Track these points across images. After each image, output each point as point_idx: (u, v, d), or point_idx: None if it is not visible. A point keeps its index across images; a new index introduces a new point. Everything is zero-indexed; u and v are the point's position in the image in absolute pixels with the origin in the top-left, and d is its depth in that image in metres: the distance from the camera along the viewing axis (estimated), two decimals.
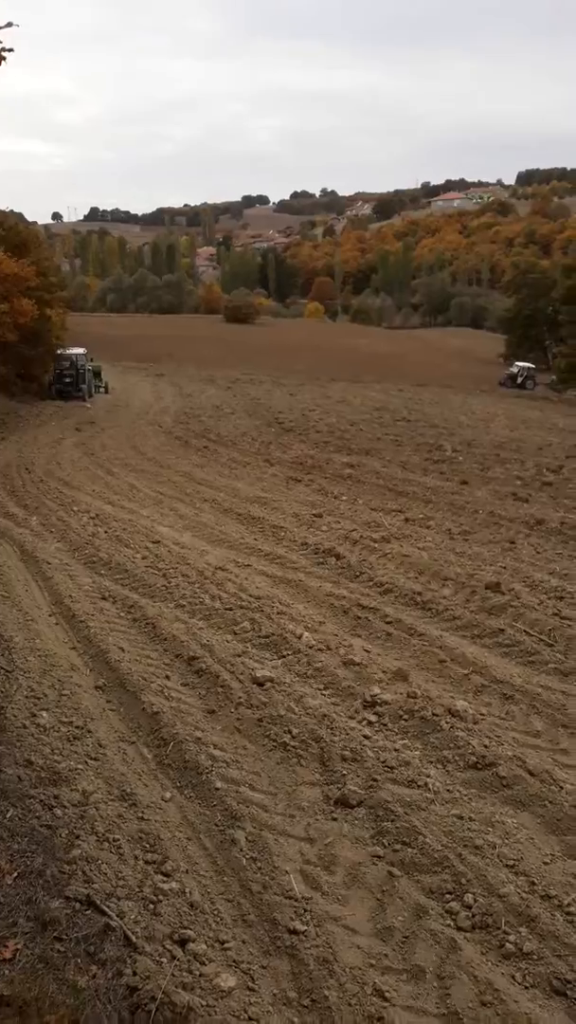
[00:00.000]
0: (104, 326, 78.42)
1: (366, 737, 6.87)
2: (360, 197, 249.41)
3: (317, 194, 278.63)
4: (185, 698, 7.58)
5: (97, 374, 42.38)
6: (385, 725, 7.20)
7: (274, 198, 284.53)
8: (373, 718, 7.30)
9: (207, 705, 7.46)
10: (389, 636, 9.53)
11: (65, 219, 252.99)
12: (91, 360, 41.73)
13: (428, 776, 6.25)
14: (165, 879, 4.92)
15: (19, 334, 34.83)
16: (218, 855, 5.29)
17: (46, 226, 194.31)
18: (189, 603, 10.40)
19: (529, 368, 58.58)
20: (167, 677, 8.02)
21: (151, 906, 4.64)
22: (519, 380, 57.27)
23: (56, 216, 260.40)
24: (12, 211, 48.55)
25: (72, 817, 5.32)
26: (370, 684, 7.93)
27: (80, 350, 41.45)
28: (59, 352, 40.56)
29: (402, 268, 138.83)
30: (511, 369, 59.65)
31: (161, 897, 4.73)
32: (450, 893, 5.01)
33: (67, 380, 39.40)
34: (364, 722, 7.23)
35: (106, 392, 41.63)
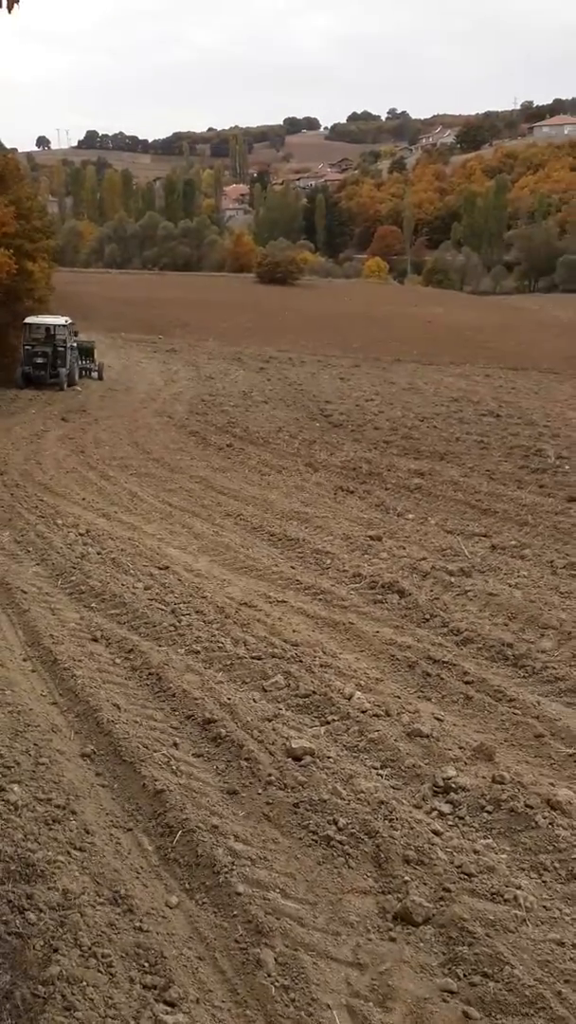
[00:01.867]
0: (101, 286, 79.39)
1: (436, 833, 6.85)
2: (439, 121, 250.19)
3: (383, 117, 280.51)
4: (198, 773, 7.63)
5: (87, 352, 41.31)
6: (462, 818, 7.18)
7: (326, 122, 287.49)
8: (446, 808, 7.28)
9: (227, 783, 7.50)
10: (468, 700, 9.50)
11: (54, 145, 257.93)
12: (76, 333, 40.25)
13: (518, 888, 6.21)
14: (169, 1010, 4.96)
15: None
16: (238, 981, 5.31)
17: (28, 154, 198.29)
18: (205, 649, 10.48)
19: None
20: (175, 745, 8.07)
21: None
22: None
23: (42, 141, 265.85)
24: None
25: (50, 924, 5.38)
26: (443, 764, 7.91)
27: (60, 319, 39.38)
28: (28, 321, 38.21)
29: (493, 215, 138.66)
30: None
31: None
32: None
33: (39, 361, 37.17)
34: (434, 813, 7.21)
35: (99, 378, 40.62)
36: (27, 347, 37.55)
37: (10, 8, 4.34)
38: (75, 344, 39.48)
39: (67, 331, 38.49)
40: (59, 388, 36.59)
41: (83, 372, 40.32)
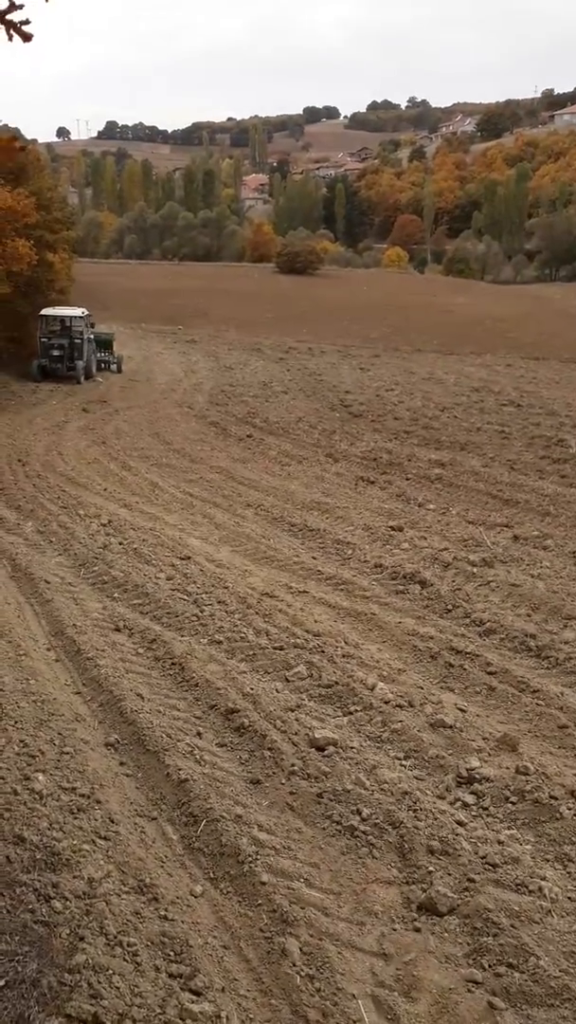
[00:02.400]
0: (121, 277, 79.51)
1: (460, 824, 6.85)
2: (459, 109, 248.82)
3: (403, 105, 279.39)
4: (222, 763, 7.65)
5: (106, 345, 40.84)
6: (486, 809, 7.17)
7: (346, 111, 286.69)
8: (470, 799, 7.27)
9: (250, 773, 7.52)
10: (492, 691, 9.48)
11: (74, 136, 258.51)
12: (92, 325, 39.66)
13: (543, 879, 6.20)
14: (194, 999, 4.97)
15: (12, 285, 35.41)
16: (264, 970, 5.32)
17: (49, 145, 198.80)
18: (227, 639, 10.50)
19: None
20: (198, 735, 8.10)
21: None
22: None
23: (62, 132, 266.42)
24: (6, 125, 48.55)
25: (75, 912, 5.40)
26: (466, 754, 7.91)
27: (77, 310, 38.93)
28: (44, 313, 37.64)
29: (514, 204, 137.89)
30: None
31: (189, 1022, 4.78)
32: None
33: (55, 353, 36.85)
34: (458, 804, 7.21)
35: (118, 370, 40.37)
36: (43, 339, 37.07)
37: None
38: (92, 336, 38.93)
39: (84, 323, 37.95)
40: (76, 381, 36.28)
41: (101, 365, 39.89)
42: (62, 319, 37.70)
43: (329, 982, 5.22)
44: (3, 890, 5.38)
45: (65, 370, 36.77)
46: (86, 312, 38.96)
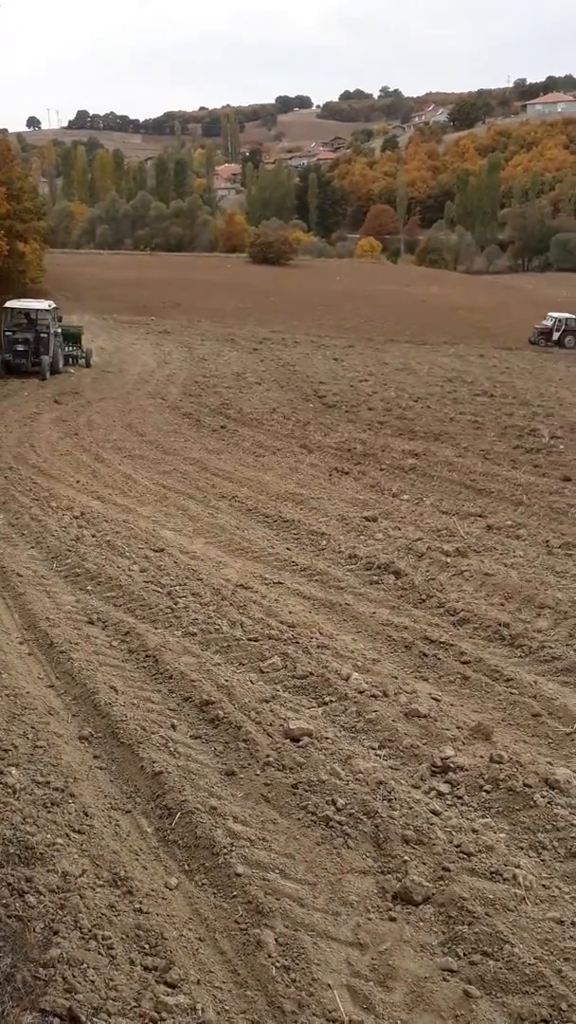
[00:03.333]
0: (93, 267, 79.10)
1: (435, 813, 6.87)
2: (432, 99, 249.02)
3: (375, 95, 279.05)
4: (196, 755, 7.64)
5: (74, 338, 39.84)
6: (460, 798, 7.20)
7: (318, 100, 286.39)
8: (444, 788, 7.30)
9: (225, 765, 7.51)
10: (466, 680, 9.52)
11: (44, 125, 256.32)
12: (60, 318, 38.58)
13: (517, 867, 6.23)
14: (170, 991, 4.97)
15: None
16: (239, 962, 5.32)
17: (19, 135, 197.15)
18: (202, 631, 10.48)
19: (571, 319, 57.62)
20: (173, 727, 8.08)
21: None
22: (556, 336, 56.46)
23: (32, 122, 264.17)
24: None
25: (49, 906, 5.39)
26: (440, 743, 7.93)
27: (43, 303, 37.93)
28: (9, 305, 36.49)
29: (487, 194, 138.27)
30: (544, 322, 58.57)
31: (165, 1015, 4.77)
32: (545, 1021, 4.99)
33: (20, 348, 35.33)
34: (432, 793, 7.23)
35: (86, 365, 39.12)
36: (7, 333, 35.70)
37: None
38: (59, 330, 37.80)
39: (50, 316, 36.66)
40: (41, 378, 34.94)
41: (69, 359, 38.79)
42: (28, 312, 36.62)
43: (305, 973, 5.23)
44: None
45: (30, 365, 35.39)
46: (53, 305, 37.95)
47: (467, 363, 44.27)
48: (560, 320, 57.00)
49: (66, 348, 38.61)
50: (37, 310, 36.62)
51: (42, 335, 35.77)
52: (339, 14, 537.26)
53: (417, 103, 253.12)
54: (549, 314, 59.01)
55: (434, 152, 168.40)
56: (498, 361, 45.72)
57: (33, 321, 36.22)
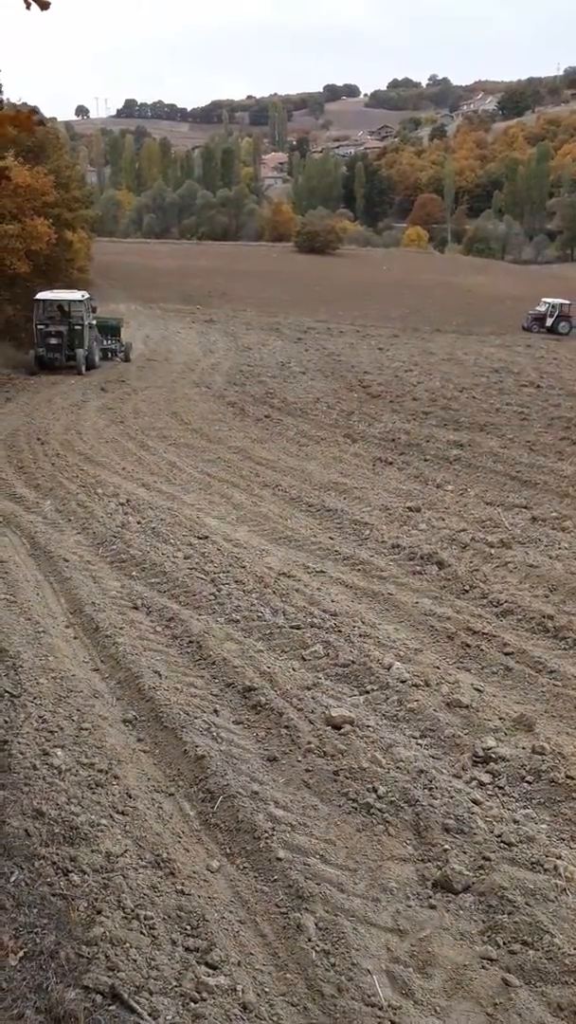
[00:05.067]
0: (139, 256, 79.47)
1: (476, 803, 6.87)
2: (480, 87, 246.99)
3: (423, 83, 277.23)
4: (239, 740, 7.69)
5: (112, 331, 37.83)
6: (501, 788, 7.19)
7: (366, 88, 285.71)
8: (486, 778, 7.29)
9: (267, 751, 7.56)
10: (508, 672, 9.48)
11: (92, 114, 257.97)
12: (94, 308, 36.24)
13: (559, 858, 6.21)
14: (210, 972, 5.02)
15: (31, 264, 35.32)
16: (279, 945, 5.37)
17: (68, 123, 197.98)
18: (244, 618, 10.53)
19: (564, 304, 56.88)
20: (215, 712, 8.14)
21: (192, 1005, 4.73)
22: (550, 322, 55.77)
23: (81, 111, 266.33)
24: (24, 103, 47.52)
25: (93, 886, 5.46)
26: (482, 734, 7.92)
27: (76, 293, 35.86)
28: (40, 297, 34.30)
29: (536, 183, 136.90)
30: (538, 307, 57.84)
31: (205, 995, 4.82)
32: None
33: (53, 342, 33.67)
34: (474, 783, 7.22)
35: (125, 359, 37.11)
36: (39, 327, 33.83)
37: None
38: (94, 322, 35.84)
39: (84, 307, 34.65)
40: (77, 372, 33.38)
41: (108, 354, 36.97)
42: (60, 303, 34.72)
43: (344, 957, 5.26)
44: (22, 863, 5.43)
45: (64, 360, 33.86)
46: (86, 295, 36.07)
47: (514, 353, 43.85)
48: (554, 306, 56.48)
49: (104, 342, 37.05)
50: (70, 301, 34.86)
51: (76, 327, 34.22)
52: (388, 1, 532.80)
53: (466, 91, 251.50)
54: (543, 299, 58.46)
55: (482, 141, 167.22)
56: (545, 352, 45.24)
57: (66, 313, 34.56)
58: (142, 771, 7.15)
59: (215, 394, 30.16)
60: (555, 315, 55.84)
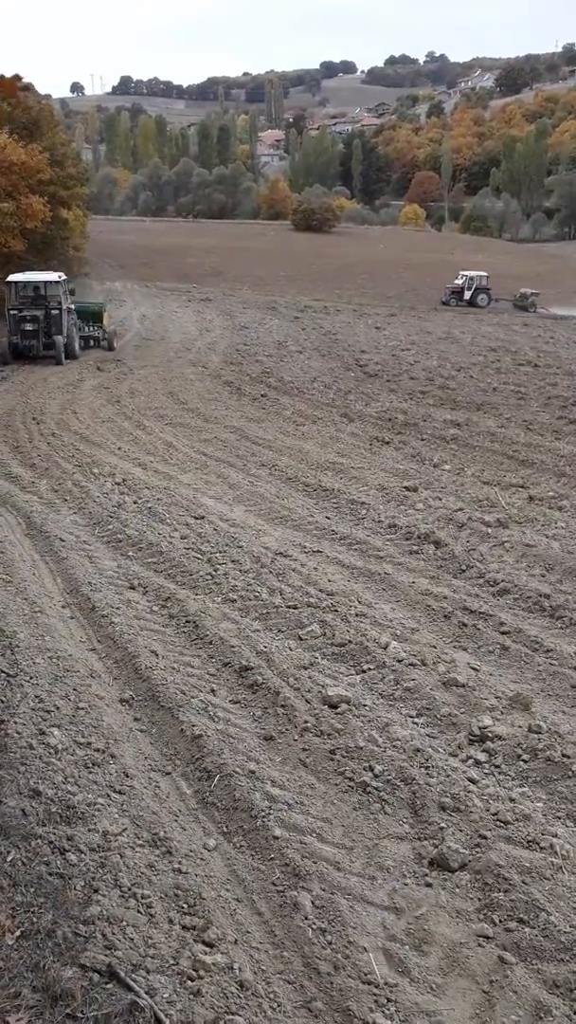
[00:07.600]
0: (135, 234, 79.11)
1: (472, 781, 6.87)
2: (478, 64, 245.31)
3: (421, 60, 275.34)
4: (235, 719, 7.69)
5: (95, 316, 35.90)
6: (498, 767, 7.19)
7: (363, 65, 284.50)
8: (482, 757, 7.30)
9: (263, 729, 7.56)
10: (505, 651, 9.48)
11: (88, 92, 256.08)
12: (72, 291, 34.49)
13: (554, 836, 6.22)
14: (207, 950, 5.02)
15: (27, 242, 35.13)
16: (276, 923, 5.38)
17: (63, 100, 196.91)
18: (241, 597, 10.53)
19: (482, 277, 57.08)
20: (212, 691, 8.15)
21: (189, 983, 4.74)
22: (468, 295, 56.02)
23: (76, 87, 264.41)
24: (19, 79, 45.71)
25: (90, 865, 5.46)
26: (479, 712, 7.93)
27: (51, 275, 33.38)
28: (12, 279, 32.16)
29: (533, 161, 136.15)
30: (456, 280, 58.07)
31: (202, 972, 4.83)
32: None
33: (28, 328, 31.33)
34: (470, 761, 7.23)
35: (108, 348, 35.05)
36: (12, 312, 31.44)
37: None
38: (72, 306, 33.75)
39: (61, 289, 32.47)
40: (56, 362, 31.41)
41: (87, 342, 35.13)
42: (34, 285, 32.56)
43: (341, 935, 5.27)
44: (19, 842, 5.43)
45: (41, 348, 31.60)
46: (63, 276, 33.71)
47: (511, 332, 43.78)
48: (471, 278, 56.83)
49: (84, 328, 35.13)
50: (46, 283, 32.61)
51: (53, 311, 31.85)
52: None
53: (463, 68, 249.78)
54: (461, 272, 58.80)
55: (480, 118, 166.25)
56: (543, 331, 45.17)
57: (42, 296, 32.38)
58: (139, 750, 7.16)
59: (211, 373, 30.11)
60: (473, 288, 56.23)
